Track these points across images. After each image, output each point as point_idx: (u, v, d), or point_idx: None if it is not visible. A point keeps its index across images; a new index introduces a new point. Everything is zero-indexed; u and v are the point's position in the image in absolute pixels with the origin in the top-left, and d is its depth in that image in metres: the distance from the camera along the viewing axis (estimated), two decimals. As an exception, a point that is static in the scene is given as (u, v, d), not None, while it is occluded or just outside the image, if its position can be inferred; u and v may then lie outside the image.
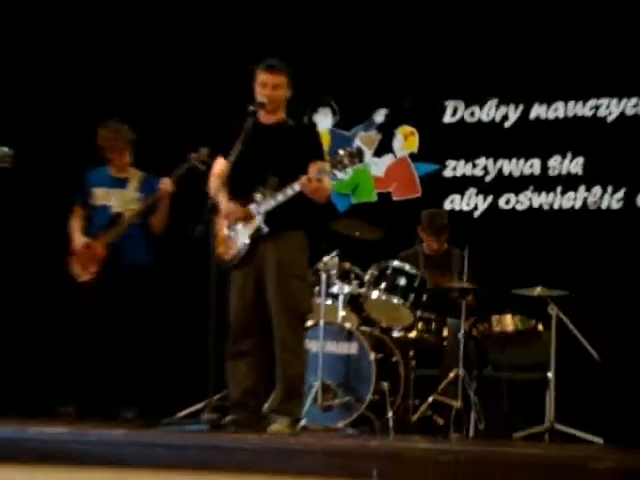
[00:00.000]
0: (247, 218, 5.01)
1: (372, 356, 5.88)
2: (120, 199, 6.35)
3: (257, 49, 6.11)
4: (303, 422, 5.29)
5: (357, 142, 7.67)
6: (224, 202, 4.99)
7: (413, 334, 6.29)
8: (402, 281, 6.17)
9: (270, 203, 4.97)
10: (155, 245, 6.42)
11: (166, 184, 6.15)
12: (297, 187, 4.90)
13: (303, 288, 5.16)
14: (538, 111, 7.12)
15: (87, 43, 7.94)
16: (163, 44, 7.74)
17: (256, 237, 4.99)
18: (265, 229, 4.97)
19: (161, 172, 6.33)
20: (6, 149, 5.66)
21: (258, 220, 5.00)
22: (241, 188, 5.00)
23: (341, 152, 5.10)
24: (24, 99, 7.56)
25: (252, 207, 4.99)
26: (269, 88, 4.99)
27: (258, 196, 5.00)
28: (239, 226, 5.01)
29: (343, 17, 7.51)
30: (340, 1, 7.58)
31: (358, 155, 5.17)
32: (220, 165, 5.14)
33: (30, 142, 6.90)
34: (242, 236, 5.02)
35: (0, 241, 7.33)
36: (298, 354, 5.09)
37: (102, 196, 6.36)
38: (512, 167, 7.21)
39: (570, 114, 7.04)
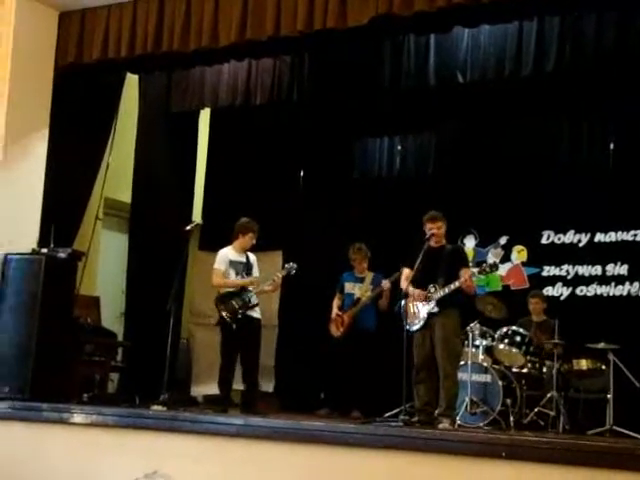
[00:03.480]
0: (424, 299, 6.30)
1: (500, 383, 7.12)
2: (360, 290, 8.06)
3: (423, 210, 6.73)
4: (458, 422, 6.57)
5: (490, 256, 8.91)
6: (411, 290, 6.34)
7: (524, 370, 7.51)
8: (518, 338, 7.54)
9: (440, 293, 6.25)
10: (379, 317, 8.03)
11: (386, 283, 7.86)
12: (458, 284, 6.20)
13: (458, 342, 6.49)
14: (599, 237, 8.49)
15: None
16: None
17: (431, 313, 6.31)
18: (436, 309, 6.25)
19: (386, 272, 7.93)
20: (292, 263, 7.37)
21: (432, 303, 6.25)
22: (421, 285, 6.34)
23: (485, 265, 6.65)
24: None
25: (429, 295, 6.28)
26: (435, 229, 6.40)
27: (432, 289, 6.29)
28: (420, 305, 6.30)
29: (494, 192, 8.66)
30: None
31: (495, 266, 6.94)
32: (406, 272, 6.49)
33: (307, 260, 8.13)
34: (422, 312, 6.32)
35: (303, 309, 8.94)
36: (454, 381, 6.33)
37: (350, 287, 8.11)
38: (584, 270, 8.54)
39: (619, 238, 8.37)
